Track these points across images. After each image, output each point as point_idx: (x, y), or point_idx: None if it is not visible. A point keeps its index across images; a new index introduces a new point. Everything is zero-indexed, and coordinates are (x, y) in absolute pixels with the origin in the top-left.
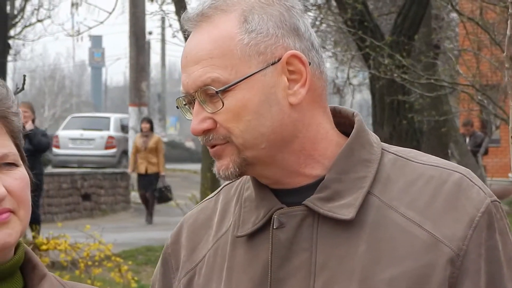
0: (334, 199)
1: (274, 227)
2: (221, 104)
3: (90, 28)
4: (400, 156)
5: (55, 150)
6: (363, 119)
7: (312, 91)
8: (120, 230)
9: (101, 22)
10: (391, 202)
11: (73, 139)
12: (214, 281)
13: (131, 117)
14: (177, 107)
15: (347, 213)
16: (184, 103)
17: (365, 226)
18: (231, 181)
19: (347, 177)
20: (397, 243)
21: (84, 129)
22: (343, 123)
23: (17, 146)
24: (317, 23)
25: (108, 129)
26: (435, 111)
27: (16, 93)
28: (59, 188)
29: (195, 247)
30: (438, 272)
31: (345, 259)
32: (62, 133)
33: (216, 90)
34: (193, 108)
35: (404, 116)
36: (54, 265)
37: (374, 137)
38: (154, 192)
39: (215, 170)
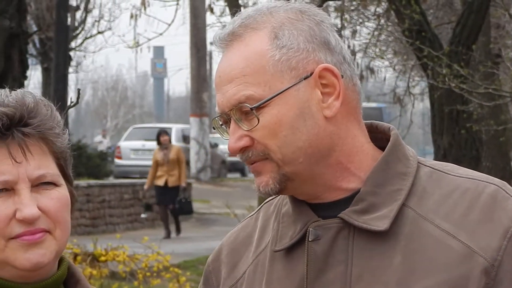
0: (369, 212)
1: (310, 240)
2: (257, 121)
3: (149, 39)
4: (436, 169)
5: (117, 161)
6: (425, 128)
7: (346, 104)
8: (182, 241)
9: (160, 34)
10: (426, 214)
11: (135, 150)
12: None
13: (192, 127)
14: (213, 128)
15: (381, 225)
16: (220, 123)
17: (400, 238)
18: (271, 197)
19: (383, 190)
20: (432, 254)
21: (146, 139)
22: (380, 138)
23: (60, 166)
24: (376, 33)
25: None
26: (494, 120)
27: (69, 107)
28: (120, 198)
29: (235, 264)
30: (473, 283)
31: (380, 271)
32: (124, 144)
33: (251, 107)
34: (229, 127)
35: (463, 126)
36: (113, 276)
37: (411, 151)
38: (175, 204)
39: (254, 186)
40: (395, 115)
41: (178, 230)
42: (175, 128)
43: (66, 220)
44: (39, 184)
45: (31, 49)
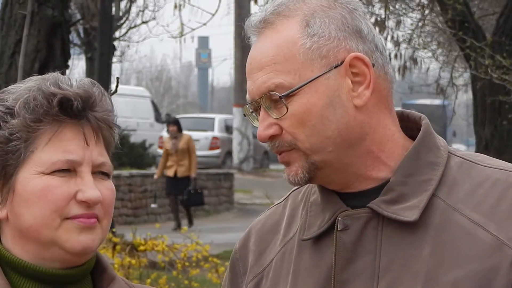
0: (398, 202)
1: (338, 229)
2: (286, 110)
3: (193, 29)
4: (466, 160)
5: (159, 151)
6: (469, 119)
7: (377, 93)
8: (223, 231)
9: (204, 24)
10: (456, 204)
11: None
12: (280, 285)
13: (236, 117)
14: (244, 115)
15: (411, 215)
16: (250, 110)
17: (429, 229)
18: (299, 186)
19: (413, 180)
20: (461, 245)
21: (189, 129)
22: (411, 127)
23: (110, 159)
24: (420, 24)
25: (212, 129)
26: None
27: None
28: (162, 189)
29: (262, 252)
30: (502, 275)
31: (409, 262)
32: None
33: (280, 95)
34: (259, 115)
35: (505, 117)
36: (152, 266)
37: (441, 141)
38: (183, 195)
39: (284, 176)
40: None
41: (190, 222)
42: (218, 118)
43: (112, 212)
44: (97, 172)
45: (75, 38)
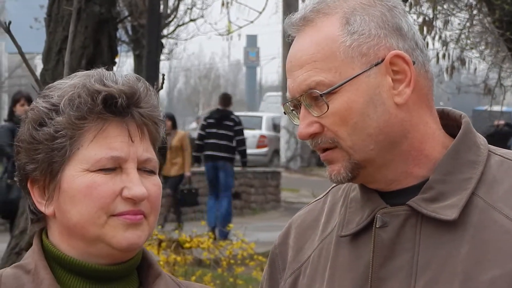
0: (438, 200)
1: (377, 226)
2: (326, 108)
3: (240, 27)
4: (507, 158)
5: None
6: None
7: (418, 91)
8: (270, 229)
9: (251, 22)
10: (495, 203)
11: None
12: (317, 281)
13: (283, 116)
14: (284, 113)
15: (450, 214)
16: (291, 108)
17: (468, 227)
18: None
19: (452, 178)
20: (500, 245)
21: None
22: (451, 125)
23: (156, 155)
24: (468, 24)
25: (260, 128)
26: None
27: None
28: (207, 186)
29: (301, 248)
30: None
31: (448, 260)
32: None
33: (321, 93)
34: (299, 113)
35: None
36: (197, 263)
37: (481, 139)
38: (176, 194)
39: (326, 174)
40: None
41: (178, 221)
42: (265, 117)
43: (159, 208)
44: (142, 168)
45: (123, 36)
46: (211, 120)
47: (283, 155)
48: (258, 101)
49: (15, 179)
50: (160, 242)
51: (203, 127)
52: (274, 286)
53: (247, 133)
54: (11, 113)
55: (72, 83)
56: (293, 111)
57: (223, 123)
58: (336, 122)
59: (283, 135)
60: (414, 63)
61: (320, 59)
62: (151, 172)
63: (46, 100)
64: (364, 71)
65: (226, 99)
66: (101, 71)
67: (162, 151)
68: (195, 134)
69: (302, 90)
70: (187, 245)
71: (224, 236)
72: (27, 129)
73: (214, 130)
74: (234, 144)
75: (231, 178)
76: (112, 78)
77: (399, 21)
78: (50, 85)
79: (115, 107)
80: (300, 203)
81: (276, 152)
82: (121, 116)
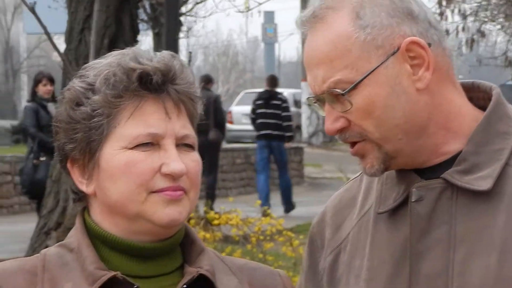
0: (472, 172)
1: (413, 201)
2: (349, 104)
3: (260, 4)
4: None
5: (228, 125)
6: None
7: (438, 71)
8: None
9: None
10: None
11: (247, 115)
12: (357, 258)
13: (304, 92)
14: (309, 105)
15: (484, 184)
16: (314, 101)
17: (503, 198)
18: (377, 177)
19: (485, 149)
20: None
21: None
22: (482, 97)
23: (194, 131)
24: None
25: None
26: None
27: None
28: (233, 163)
29: (339, 226)
30: None
31: (485, 231)
32: (236, 109)
33: (341, 92)
34: (323, 105)
35: None
36: (226, 240)
37: None
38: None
39: (360, 168)
40: None
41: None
42: (286, 93)
43: (199, 184)
44: (180, 145)
45: (141, 14)
46: (259, 101)
47: (305, 131)
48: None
49: (41, 159)
50: (189, 219)
51: (253, 109)
52: (314, 264)
53: None
54: (34, 93)
55: (107, 62)
56: (316, 103)
57: (271, 103)
58: (361, 117)
59: (305, 111)
60: (430, 44)
61: (335, 57)
62: (190, 148)
63: (82, 79)
64: (382, 63)
65: (272, 80)
66: (136, 49)
67: (200, 127)
68: None
69: (322, 90)
70: (216, 222)
71: (289, 209)
72: (64, 109)
73: (263, 110)
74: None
75: (285, 154)
76: (147, 56)
77: (408, 4)
78: (86, 64)
79: (151, 84)
80: (324, 178)
81: (298, 128)
82: (157, 93)
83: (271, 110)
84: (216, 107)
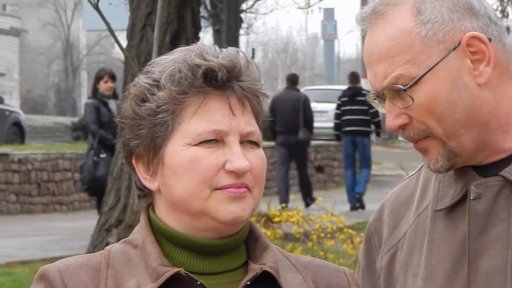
0: None
1: (471, 198)
2: (411, 100)
3: (320, 1)
4: None
5: None
6: None
7: (498, 66)
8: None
9: None
10: None
11: None
12: (415, 256)
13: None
14: (369, 103)
15: None
16: (373, 98)
17: None
18: (442, 174)
19: None
20: None
21: (317, 101)
22: None
23: (259, 127)
24: None
25: None
26: None
27: None
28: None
29: (397, 224)
30: None
31: None
32: None
33: (403, 88)
34: (384, 102)
35: None
36: (287, 237)
37: None
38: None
39: (425, 164)
40: None
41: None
42: None
43: (263, 181)
44: (245, 141)
45: (202, 11)
46: (344, 98)
47: None
48: (336, 74)
49: (102, 156)
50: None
51: (338, 106)
52: (371, 263)
53: (328, 106)
54: (95, 90)
55: (172, 58)
56: (376, 100)
57: (355, 99)
58: (422, 113)
59: None
60: (490, 40)
61: (397, 53)
62: (255, 144)
63: (148, 76)
64: (443, 58)
65: (354, 76)
66: (202, 45)
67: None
68: None
69: (384, 86)
70: (277, 219)
71: (355, 202)
72: (129, 105)
73: (348, 107)
74: (368, 117)
75: (369, 150)
76: (213, 52)
77: (469, 0)
78: (152, 60)
79: (216, 81)
80: (384, 176)
81: None
82: (222, 90)
83: (356, 107)
84: (306, 107)
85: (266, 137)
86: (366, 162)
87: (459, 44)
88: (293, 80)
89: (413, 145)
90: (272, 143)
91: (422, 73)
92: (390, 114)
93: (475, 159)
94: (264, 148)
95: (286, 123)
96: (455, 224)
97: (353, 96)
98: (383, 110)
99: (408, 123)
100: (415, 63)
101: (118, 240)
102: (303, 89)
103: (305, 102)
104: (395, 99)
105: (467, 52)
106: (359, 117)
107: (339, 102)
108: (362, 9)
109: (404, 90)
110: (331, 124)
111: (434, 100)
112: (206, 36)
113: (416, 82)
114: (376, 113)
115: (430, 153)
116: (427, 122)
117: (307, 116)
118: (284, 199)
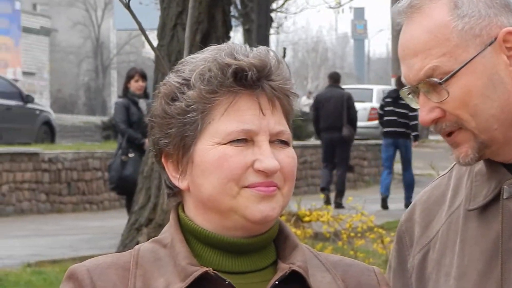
0: None
1: (504, 198)
2: (446, 93)
3: (350, 0)
4: None
5: None
6: None
7: None
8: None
9: None
10: None
11: None
12: (447, 255)
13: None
14: (402, 98)
15: None
16: (407, 93)
17: None
18: (474, 173)
19: None
20: None
21: None
22: None
23: (289, 127)
24: None
25: (371, 100)
26: None
27: None
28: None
29: (429, 223)
30: None
31: None
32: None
33: (439, 81)
34: (417, 97)
35: None
36: (317, 236)
37: None
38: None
39: (454, 157)
40: None
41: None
42: (376, 89)
43: (294, 180)
44: (275, 141)
45: (232, 10)
46: (388, 99)
47: None
48: (366, 74)
49: (130, 155)
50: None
51: (381, 106)
52: (403, 262)
53: (358, 105)
54: (125, 89)
55: (203, 57)
56: (409, 95)
57: (399, 102)
58: (457, 107)
59: None
60: None
61: (434, 46)
62: (285, 144)
63: (178, 74)
64: (479, 53)
65: (401, 80)
66: (232, 44)
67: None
68: (305, 108)
69: (419, 79)
70: (307, 218)
71: (408, 204)
72: (159, 104)
73: (391, 108)
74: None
75: (410, 152)
76: (243, 51)
77: None
78: (183, 59)
79: (246, 80)
80: (414, 175)
81: None
82: (252, 89)
83: (399, 109)
84: (349, 105)
85: (296, 137)
86: (408, 164)
87: (495, 39)
88: (335, 78)
89: (443, 138)
90: (302, 143)
91: (459, 67)
92: (424, 108)
93: (504, 155)
94: (294, 147)
95: (329, 120)
96: (488, 224)
97: (397, 98)
98: (417, 106)
99: (441, 116)
100: (452, 57)
101: (148, 239)
102: None
103: (349, 100)
104: (429, 93)
105: (503, 47)
106: (401, 119)
107: (382, 103)
108: (398, 3)
109: (440, 84)
110: (360, 124)
111: (469, 94)
112: (237, 35)
113: (452, 76)
114: (414, 116)
115: (460, 147)
116: (461, 116)
117: (351, 114)
118: (328, 197)
